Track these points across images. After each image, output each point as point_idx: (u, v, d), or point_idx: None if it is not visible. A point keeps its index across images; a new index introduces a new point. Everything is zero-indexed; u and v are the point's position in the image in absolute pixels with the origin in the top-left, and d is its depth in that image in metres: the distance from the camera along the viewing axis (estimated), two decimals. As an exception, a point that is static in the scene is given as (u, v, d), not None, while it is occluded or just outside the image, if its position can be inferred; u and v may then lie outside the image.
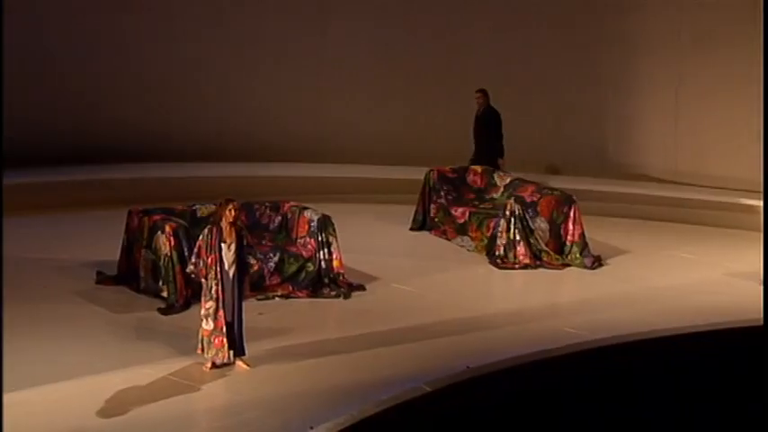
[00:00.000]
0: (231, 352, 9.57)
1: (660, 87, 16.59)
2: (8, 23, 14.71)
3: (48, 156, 15.37)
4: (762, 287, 11.46)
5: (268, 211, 12.43)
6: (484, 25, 16.95)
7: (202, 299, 9.61)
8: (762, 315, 10.10)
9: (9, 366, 9.09)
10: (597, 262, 13.12)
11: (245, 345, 9.66)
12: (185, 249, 11.08)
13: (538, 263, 12.99)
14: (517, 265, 12.97)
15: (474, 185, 14.48)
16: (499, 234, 13.09)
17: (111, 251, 12.00)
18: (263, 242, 12.06)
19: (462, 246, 13.63)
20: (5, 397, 8.42)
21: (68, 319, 10.73)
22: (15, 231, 13.05)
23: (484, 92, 15.01)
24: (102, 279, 11.83)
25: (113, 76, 16.35)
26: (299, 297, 11.57)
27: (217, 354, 9.54)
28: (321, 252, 11.87)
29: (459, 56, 16.94)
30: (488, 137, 14.89)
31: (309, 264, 11.82)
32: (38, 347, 9.98)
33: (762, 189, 13.16)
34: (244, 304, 9.72)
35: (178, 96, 16.56)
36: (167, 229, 11.30)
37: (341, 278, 11.88)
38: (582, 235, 13.17)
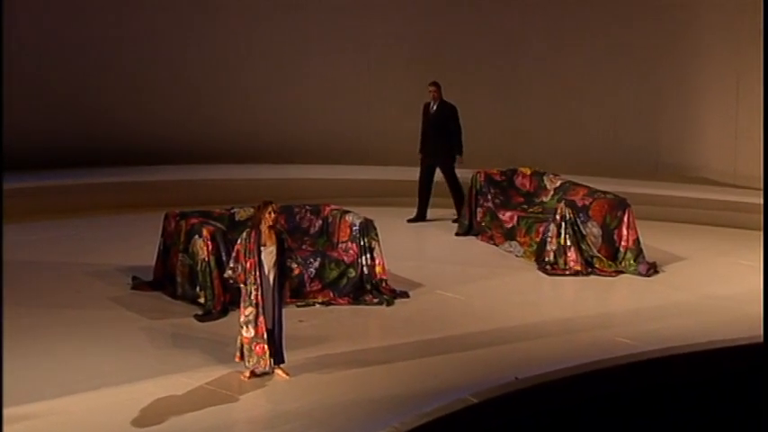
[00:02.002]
0: (271, 360, 9.42)
1: (719, 85, 16.25)
2: (30, 21, 14.75)
3: (84, 157, 15.33)
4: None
5: (308, 215, 12.29)
6: (531, 23, 16.67)
7: (241, 305, 9.48)
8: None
9: (43, 373, 9.42)
10: (652, 269, 12.84)
11: (284, 353, 9.50)
12: (223, 254, 10.98)
13: (589, 269, 12.75)
14: (568, 272, 12.71)
15: (523, 188, 14.27)
16: (549, 239, 12.85)
17: (146, 255, 11.94)
18: (304, 247, 11.92)
19: (510, 251, 13.41)
20: (39, 406, 8.68)
21: (103, 326, 10.67)
22: (49, 235, 13.18)
23: (437, 85, 14.71)
24: (138, 284, 11.74)
25: (149, 76, 16.28)
26: (340, 304, 11.43)
27: (258, 361, 9.41)
28: (363, 257, 11.71)
29: (502, 54, 16.69)
30: (447, 132, 14.54)
31: (351, 269, 11.65)
32: (72, 354, 9.94)
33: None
34: (284, 310, 9.55)
35: (215, 97, 16.48)
36: (205, 232, 11.19)
37: (384, 285, 11.70)
38: (636, 241, 12.91)
